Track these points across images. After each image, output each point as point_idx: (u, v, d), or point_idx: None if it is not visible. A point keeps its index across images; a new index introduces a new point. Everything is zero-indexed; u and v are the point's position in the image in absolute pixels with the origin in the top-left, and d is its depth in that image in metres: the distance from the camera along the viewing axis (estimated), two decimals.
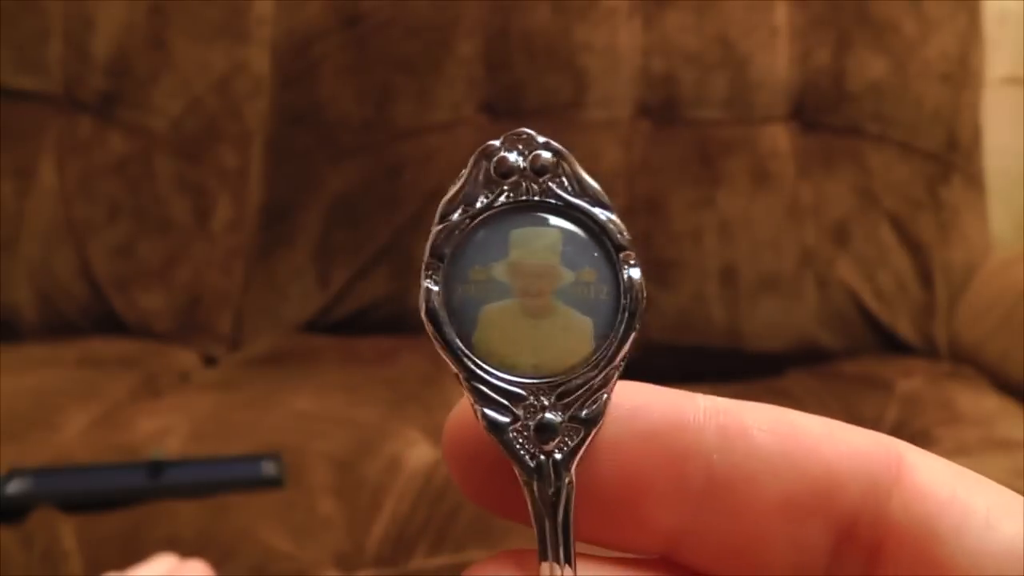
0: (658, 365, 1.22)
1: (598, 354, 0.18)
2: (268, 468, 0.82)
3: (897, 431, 0.98)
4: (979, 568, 0.16)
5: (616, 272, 0.18)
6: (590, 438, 0.18)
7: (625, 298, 0.18)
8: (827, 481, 0.17)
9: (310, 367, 1.12)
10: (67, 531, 0.74)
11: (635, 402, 0.18)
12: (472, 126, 1.26)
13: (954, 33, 1.24)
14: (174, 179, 1.26)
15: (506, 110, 1.26)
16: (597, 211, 0.19)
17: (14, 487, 0.78)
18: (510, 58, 1.25)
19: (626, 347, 0.18)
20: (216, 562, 0.69)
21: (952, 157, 1.24)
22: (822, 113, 1.24)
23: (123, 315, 1.24)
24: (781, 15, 1.24)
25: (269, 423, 0.93)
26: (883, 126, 1.23)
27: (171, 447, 0.85)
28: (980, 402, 1.03)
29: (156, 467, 0.80)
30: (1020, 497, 0.17)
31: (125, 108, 1.27)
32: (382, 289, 1.24)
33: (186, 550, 0.70)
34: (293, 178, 1.27)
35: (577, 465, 0.18)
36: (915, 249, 1.22)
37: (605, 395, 0.18)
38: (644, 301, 0.18)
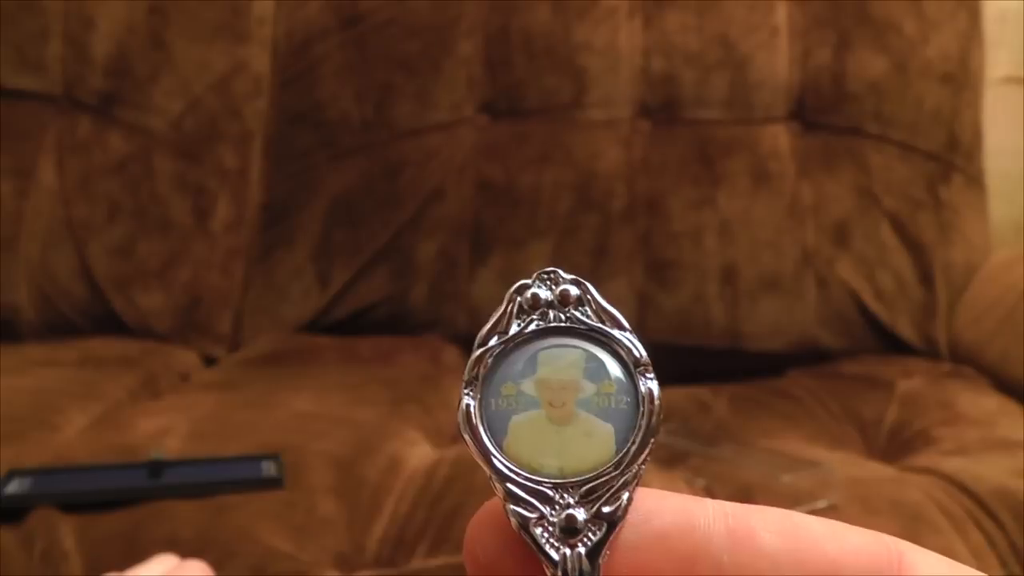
0: (658, 365, 1.22)
1: (620, 455, 0.20)
2: (268, 468, 0.81)
3: (897, 431, 0.98)
4: None
5: (635, 384, 0.20)
6: (614, 533, 0.19)
7: (643, 406, 0.20)
8: None
9: (310, 367, 1.12)
10: (67, 531, 0.74)
11: (648, 506, 0.19)
12: (472, 126, 1.26)
13: (954, 33, 1.24)
14: (174, 179, 1.26)
15: (506, 110, 1.26)
16: (616, 332, 0.21)
17: (14, 487, 0.78)
18: (510, 58, 1.25)
19: (647, 450, 0.20)
20: (216, 562, 0.69)
21: (952, 157, 1.24)
22: (822, 113, 1.24)
23: (123, 315, 1.24)
24: (781, 15, 1.24)
25: (269, 423, 0.93)
26: (883, 126, 1.23)
27: (171, 447, 0.85)
28: (980, 402, 1.03)
29: (156, 467, 0.80)
30: None
31: (125, 108, 1.27)
32: (382, 289, 1.24)
33: (186, 550, 0.70)
34: (293, 178, 1.27)
35: (603, 561, 0.19)
36: (915, 249, 1.22)
37: (627, 493, 0.19)
38: (662, 410, 0.20)
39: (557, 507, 0.19)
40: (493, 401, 0.20)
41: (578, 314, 0.21)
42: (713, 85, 1.24)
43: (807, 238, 1.21)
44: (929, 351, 1.20)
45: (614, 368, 0.20)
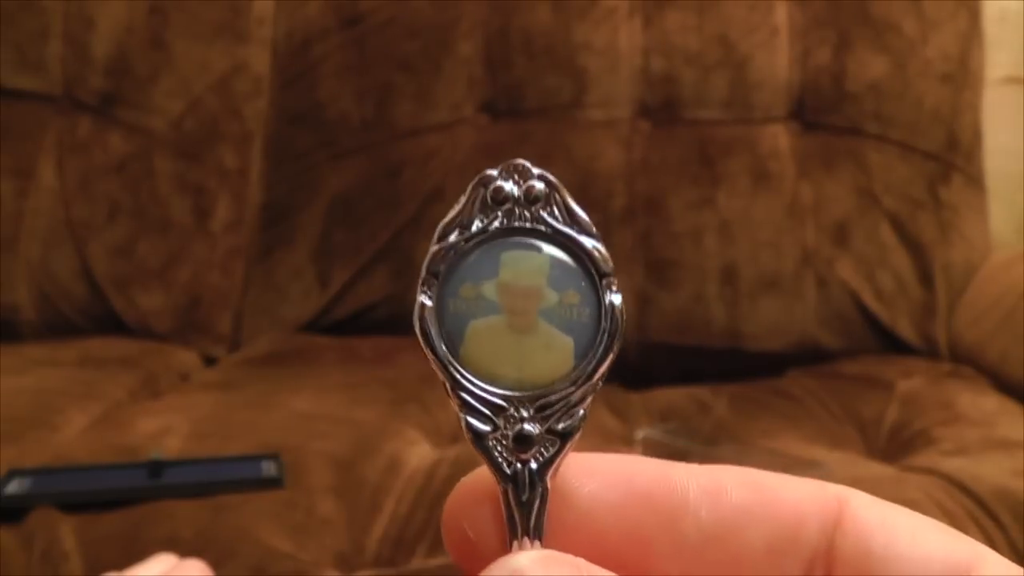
0: (658, 365, 1.23)
1: (577, 371, 0.19)
2: (268, 468, 0.81)
3: (897, 431, 0.98)
4: (907, 571, 0.19)
5: (599, 296, 0.19)
6: (565, 450, 0.19)
7: (606, 321, 0.19)
8: (794, 524, 0.20)
9: (310, 367, 1.12)
10: (67, 531, 0.74)
11: (629, 469, 0.20)
12: (472, 126, 1.26)
13: (954, 33, 1.24)
14: (174, 179, 1.26)
15: (506, 110, 1.26)
16: (584, 239, 0.20)
17: (14, 487, 0.78)
18: (510, 58, 1.25)
19: (604, 366, 0.19)
20: (216, 562, 0.69)
21: (952, 157, 1.24)
22: (822, 113, 1.24)
23: (123, 315, 1.24)
24: (781, 15, 1.24)
25: (269, 423, 0.93)
26: (883, 126, 1.23)
27: (171, 447, 0.85)
28: (980, 402, 1.03)
29: (156, 467, 0.80)
30: (941, 523, 0.20)
31: (125, 108, 1.27)
32: (382, 289, 1.24)
33: (186, 550, 0.70)
34: (293, 178, 1.27)
35: (551, 476, 0.19)
36: (915, 249, 1.22)
37: (582, 410, 0.19)
38: (623, 325, 0.19)
39: (511, 420, 0.19)
40: (451, 302, 0.19)
41: (545, 214, 0.20)
42: (713, 85, 1.24)
43: (807, 238, 1.21)
44: (929, 351, 1.20)
45: (579, 278, 0.19)
